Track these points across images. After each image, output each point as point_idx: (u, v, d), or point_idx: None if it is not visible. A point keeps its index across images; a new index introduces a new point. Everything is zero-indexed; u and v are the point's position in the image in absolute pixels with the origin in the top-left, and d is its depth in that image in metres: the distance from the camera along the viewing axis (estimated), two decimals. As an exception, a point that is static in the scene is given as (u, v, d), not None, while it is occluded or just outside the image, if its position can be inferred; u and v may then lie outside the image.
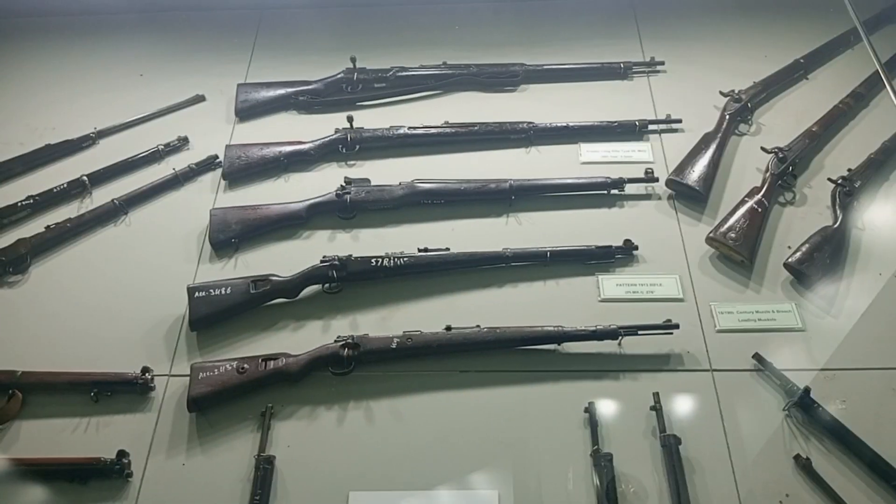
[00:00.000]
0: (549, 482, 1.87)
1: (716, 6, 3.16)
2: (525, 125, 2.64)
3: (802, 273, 2.18)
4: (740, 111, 2.64)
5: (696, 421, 1.95)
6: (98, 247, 2.43)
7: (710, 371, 2.05)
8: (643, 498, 1.83)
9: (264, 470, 1.87)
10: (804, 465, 1.83)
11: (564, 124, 2.65)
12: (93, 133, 2.74)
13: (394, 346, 2.05)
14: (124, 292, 2.30)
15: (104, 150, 2.71)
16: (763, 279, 2.24)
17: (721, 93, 2.68)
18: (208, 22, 3.22)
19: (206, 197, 2.54)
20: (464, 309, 2.20)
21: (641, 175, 2.44)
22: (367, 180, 2.48)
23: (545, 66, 2.88)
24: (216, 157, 2.63)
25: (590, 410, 1.94)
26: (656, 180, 2.45)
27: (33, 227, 2.44)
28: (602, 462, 1.84)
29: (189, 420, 2.01)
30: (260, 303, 2.19)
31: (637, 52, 2.98)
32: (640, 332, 2.05)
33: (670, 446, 1.85)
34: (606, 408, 1.98)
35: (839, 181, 2.39)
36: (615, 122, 2.65)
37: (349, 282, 2.24)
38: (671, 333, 2.06)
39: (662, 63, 2.89)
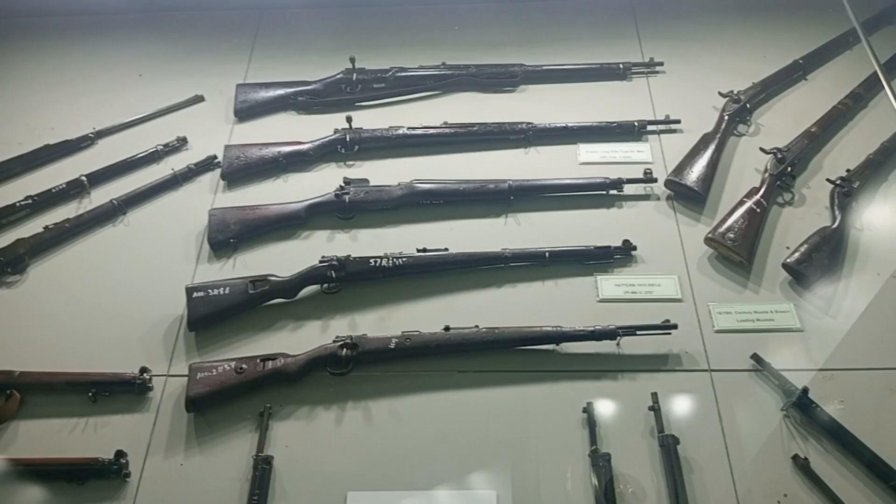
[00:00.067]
0: (548, 482, 1.87)
1: (715, 7, 3.17)
2: (524, 126, 2.64)
3: (801, 273, 2.18)
4: (739, 112, 2.65)
5: (694, 421, 1.95)
6: (97, 247, 2.43)
7: (708, 371, 2.05)
8: (641, 498, 1.83)
9: (262, 470, 1.87)
10: (802, 466, 1.83)
11: (563, 125, 2.65)
12: (92, 133, 2.74)
13: (392, 346, 2.05)
14: (123, 292, 2.30)
15: (103, 151, 2.71)
16: (761, 279, 2.24)
17: (720, 93, 2.68)
18: (207, 22, 3.22)
19: (205, 197, 2.54)
20: (462, 309, 2.20)
21: (640, 175, 2.44)
22: (366, 180, 2.48)
23: (544, 67, 2.89)
24: (215, 157, 2.63)
25: (588, 410, 1.94)
26: (655, 181, 2.45)
27: (32, 227, 2.44)
28: (600, 462, 1.84)
29: (187, 420, 2.01)
30: (258, 303, 2.19)
31: (636, 52, 2.98)
32: (638, 333, 2.05)
33: (668, 446, 1.85)
34: (605, 408, 1.98)
35: (838, 182, 2.39)
36: (614, 122, 2.65)
37: (348, 282, 2.24)
38: (669, 334, 2.06)
39: (661, 64, 2.89)
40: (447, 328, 2.07)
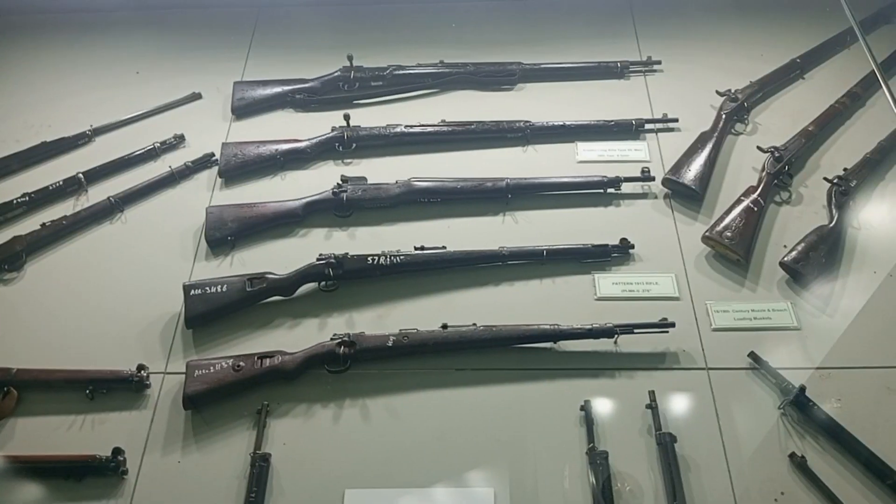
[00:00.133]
0: (545, 480, 1.87)
1: (713, 6, 3.17)
2: (522, 124, 2.64)
3: (798, 272, 2.18)
4: (737, 110, 2.65)
5: (691, 419, 1.96)
6: (94, 244, 2.43)
7: (705, 369, 2.05)
8: (639, 496, 1.83)
9: (260, 467, 1.86)
10: (799, 464, 1.84)
11: (561, 123, 2.65)
12: (89, 130, 2.73)
13: (390, 344, 2.05)
14: (120, 290, 2.30)
15: (100, 148, 2.70)
16: (759, 278, 2.24)
17: (717, 92, 2.68)
18: (205, 19, 3.22)
19: (203, 195, 2.54)
20: (460, 307, 2.20)
21: (638, 174, 2.45)
22: (364, 178, 2.47)
23: (542, 65, 2.89)
24: (212, 154, 2.63)
25: (586, 408, 1.94)
26: (653, 179, 2.46)
27: (29, 224, 2.44)
28: (598, 460, 1.84)
29: (184, 417, 2.01)
30: (256, 301, 2.19)
31: (634, 51, 2.98)
32: (635, 331, 2.06)
33: (666, 444, 1.86)
34: (602, 406, 1.98)
35: (835, 180, 2.39)
36: (612, 121, 2.65)
37: (345, 280, 2.24)
38: (667, 332, 2.07)
39: (659, 62, 2.90)
40: (445, 326, 2.07)
